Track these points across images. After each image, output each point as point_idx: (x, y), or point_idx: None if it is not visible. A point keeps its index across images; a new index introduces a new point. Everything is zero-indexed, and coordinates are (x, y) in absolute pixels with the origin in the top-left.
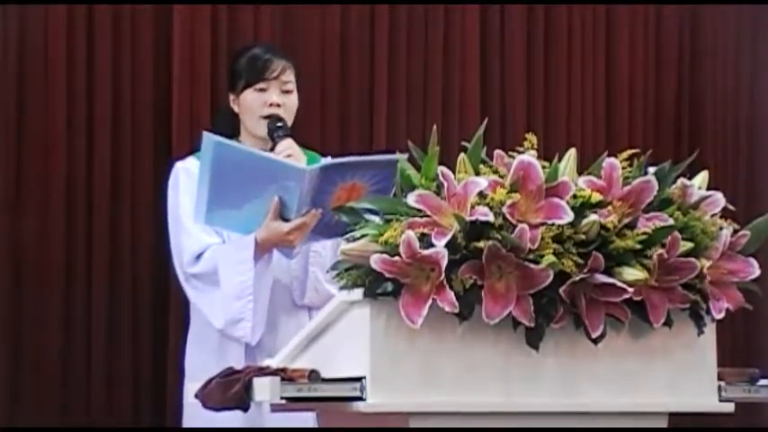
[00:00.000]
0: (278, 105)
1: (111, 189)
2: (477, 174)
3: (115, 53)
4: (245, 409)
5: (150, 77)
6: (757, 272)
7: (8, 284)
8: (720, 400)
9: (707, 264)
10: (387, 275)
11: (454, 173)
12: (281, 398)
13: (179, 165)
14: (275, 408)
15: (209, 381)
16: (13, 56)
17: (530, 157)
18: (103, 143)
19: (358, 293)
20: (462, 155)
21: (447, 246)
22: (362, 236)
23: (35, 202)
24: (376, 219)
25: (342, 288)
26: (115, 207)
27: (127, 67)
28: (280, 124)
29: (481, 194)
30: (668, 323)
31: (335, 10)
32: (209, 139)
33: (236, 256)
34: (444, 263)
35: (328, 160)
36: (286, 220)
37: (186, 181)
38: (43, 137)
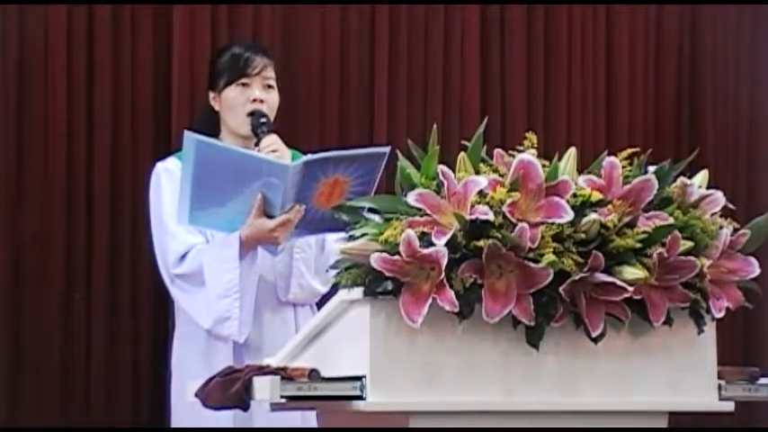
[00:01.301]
0: (261, 101)
1: (111, 189)
2: (478, 173)
3: (115, 53)
4: (245, 409)
5: (150, 77)
6: (757, 271)
7: (8, 284)
8: (720, 399)
9: (707, 263)
10: (387, 274)
11: (454, 172)
12: (281, 397)
13: (160, 165)
14: (275, 407)
15: (210, 380)
16: (12, 56)
17: (530, 155)
18: (103, 143)
19: (358, 292)
20: (462, 154)
21: (447, 245)
22: (362, 235)
23: (35, 202)
24: (376, 217)
25: (342, 287)
26: (115, 207)
27: (127, 67)
28: (263, 120)
29: (481, 193)
30: (668, 322)
31: (335, 10)
32: (190, 138)
33: (221, 255)
34: (444, 262)
35: (310, 156)
36: (270, 216)
37: (168, 181)
38: (43, 137)
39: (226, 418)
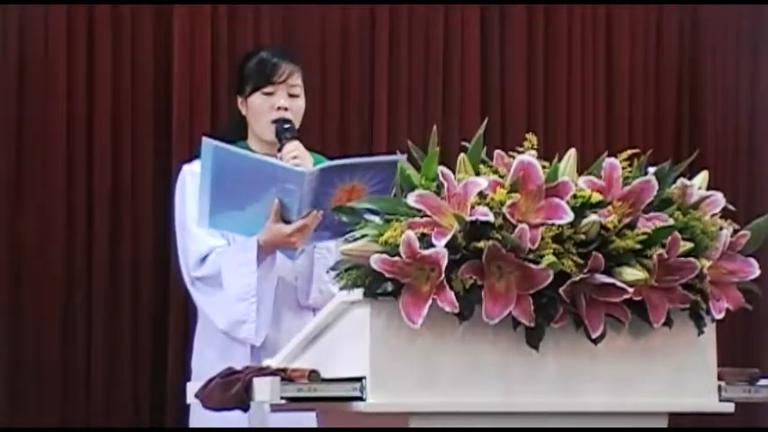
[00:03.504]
0: (285, 109)
1: (111, 189)
2: (478, 174)
3: (115, 53)
4: (245, 409)
5: (150, 78)
6: (757, 272)
7: (8, 284)
8: (720, 400)
9: (707, 264)
10: (387, 275)
11: (454, 173)
12: (281, 398)
13: (185, 168)
14: (275, 408)
15: (210, 381)
16: (13, 56)
17: (530, 157)
18: (103, 143)
19: (358, 293)
20: (462, 155)
21: (447, 246)
22: (362, 236)
23: (35, 202)
24: (376, 219)
25: (342, 288)
26: (115, 207)
27: (127, 67)
28: (287, 126)
29: (481, 194)
30: (668, 323)
31: (335, 10)
32: (207, 144)
33: (238, 259)
34: (444, 263)
35: (326, 163)
36: (287, 221)
37: (192, 184)
38: (43, 137)
39: (242, 417)
